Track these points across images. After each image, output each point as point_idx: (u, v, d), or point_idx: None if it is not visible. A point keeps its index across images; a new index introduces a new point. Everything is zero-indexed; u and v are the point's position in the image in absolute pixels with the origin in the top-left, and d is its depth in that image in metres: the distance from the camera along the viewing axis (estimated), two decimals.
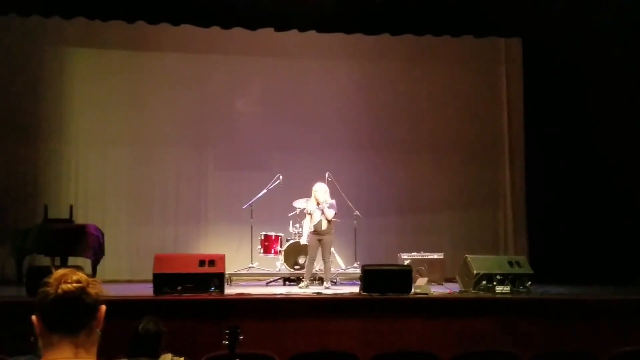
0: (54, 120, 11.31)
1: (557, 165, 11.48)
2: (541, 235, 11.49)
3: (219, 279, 8.09)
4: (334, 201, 9.30)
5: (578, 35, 10.74)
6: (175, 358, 4.22)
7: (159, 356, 3.99)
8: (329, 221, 9.16)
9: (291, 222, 10.41)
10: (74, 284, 1.86)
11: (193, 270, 8.06)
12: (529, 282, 8.73)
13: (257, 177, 11.25)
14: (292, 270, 10.08)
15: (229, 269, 9.14)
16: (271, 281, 10.26)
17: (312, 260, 9.23)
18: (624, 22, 10.17)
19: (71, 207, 9.80)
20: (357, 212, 10.57)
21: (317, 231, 9.13)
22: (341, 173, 10.83)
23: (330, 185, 9.92)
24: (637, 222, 10.55)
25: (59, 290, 1.84)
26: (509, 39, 12.27)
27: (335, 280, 9.83)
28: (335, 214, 9.27)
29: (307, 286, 9.08)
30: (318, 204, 9.15)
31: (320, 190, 9.21)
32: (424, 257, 10.17)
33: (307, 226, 9.35)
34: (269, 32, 11.16)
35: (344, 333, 7.51)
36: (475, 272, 8.76)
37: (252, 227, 10.59)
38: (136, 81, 11.60)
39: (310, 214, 9.28)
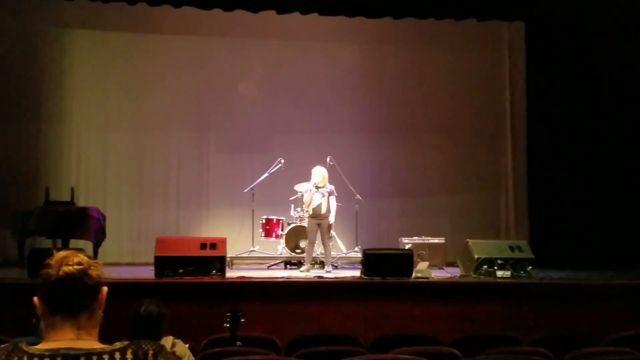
0: (55, 102, 11.27)
1: (559, 149, 11.46)
2: (542, 219, 11.49)
3: (220, 262, 8.11)
4: (332, 187, 9.27)
5: (581, 19, 10.69)
6: (176, 341, 4.23)
7: (160, 338, 4.00)
8: (328, 204, 9.12)
9: (292, 205, 10.40)
10: (76, 266, 1.86)
11: (194, 254, 8.07)
12: (530, 267, 8.74)
13: (259, 160, 11.23)
14: (293, 254, 10.09)
15: (230, 253, 9.15)
16: (272, 265, 10.27)
17: (312, 244, 9.22)
18: (628, 5, 10.10)
19: (72, 189, 9.82)
20: (358, 196, 10.57)
21: (316, 215, 9.10)
22: (343, 156, 10.81)
23: (331, 168, 9.91)
24: (639, 207, 10.54)
25: (61, 273, 1.84)
26: (512, 23, 12.19)
27: (336, 264, 9.85)
28: (336, 197, 9.27)
29: (308, 270, 9.09)
30: (317, 187, 9.09)
31: (319, 173, 9.17)
32: (425, 242, 10.17)
33: (308, 196, 9.20)
34: (270, 14, 11.10)
35: (345, 317, 7.54)
36: (476, 256, 8.78)
37: (253, 210, 10.58)
38: (137, 63, 11.55)
39: (308, 191, 9.19)
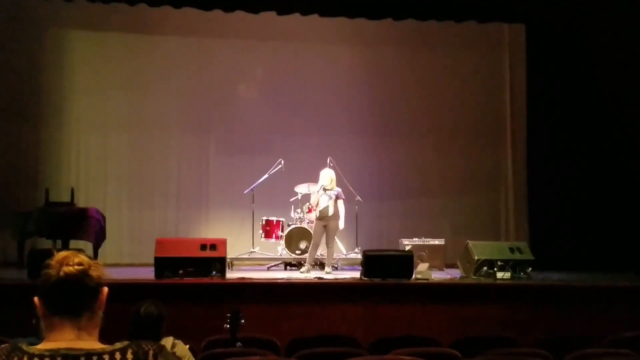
0: (55, 103, 11.26)
1: (559, 151, 11.46)
2: (542, 221, 11.47)
3: (221, 263, 8.11)
4: (340, 190, 9.28)
5: (582, 20, 10.69)
6: (176, 341, 4.23)
7: (160, 339, 4.00)
8: (335, 207, 9.13)
9: (292, 207, 10.40)
10: (76, 267, 1.85)
11: (194, 255, 8.08)
12: (530, 268, 8.75)
13: (259, 161, 11.23)
14: (293, 255, 10.09)
15: (230, 254, 9.16)
16: (272, 266, 10.28)
17: (316, 246, 9.23)
18: (628, 6, 10.10)
19: (72, 190, 9.81)
20: (358, 197, 10.57)
21: (322, 217, 9.11)
22: (343, 158, 10.81)
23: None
24: (639, 208, 10.54)
25: (61, 273, 1.84)
26: (513, 25, 12.18)
27: (336, 266, 9.85)
28: (343, 199, 9.29)
29: (308, 271, 9.09)
30: (325, 190, 9.10)
31: (327, 176, 9.18)
32: (425, 243, 10.17)
33: (315, 198, 9.22)
34: (271, 15, 11.10)
35: (345, 318, 7.55)
36: (476, 258, 8.78)
37: (253, 211, 10.58)
38: (137, 64, 11.55)
39: (315, 193, 9.20)
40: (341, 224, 9.24)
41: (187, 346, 4.30)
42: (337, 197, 9.13)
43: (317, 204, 9.12)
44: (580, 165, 11.27)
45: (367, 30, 11.77)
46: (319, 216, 9.14)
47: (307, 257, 9.33)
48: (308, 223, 10.03)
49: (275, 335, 5.67)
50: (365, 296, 7.86)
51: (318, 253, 9.55)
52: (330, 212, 9.06)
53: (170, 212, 11.55)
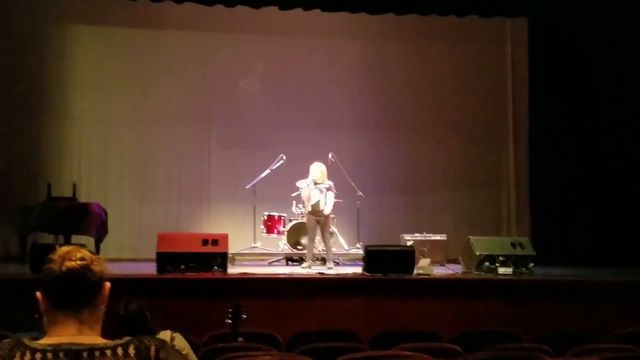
0: (57, 98, 11.26)
1: (561, 146, 11.45)
2: (544, 216, 11.48)
3: (222, 258, 8.12)
4: (331, 183, 9.28)
5: (584, 15, 10.67)
6: (174, 334, 4.24)
7: (154, 332, 3.99)
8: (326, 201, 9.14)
9: (294, 202, 10.39)
10: (78, 262, 1.85)
11: (196, 250, 8.09)
12: (532, 264, 8.74)
13: (261, 156, 11.24)
14: (294, 250, 10.09)
15: (231, 249, 9.18)
16: (274, 261, 10.28)
17: (312, 240, 9.24)
18: (631, 1, 10.08)
19: (74, 185, 9.80)
20: (360, 193, 10.57)
21: (315, 211, 9.10)
22: (344, 153, 10.81)
23: (333, 165, 9.91)
24: None
25: (63, 268, 1.84)
26: (515, 19, 12.17)
27: (338, 261, 9.85)
28: (335, 194, 9.29)
29: (309, 266, 9.09)
30: (316, 183, 9.11)
31: (318, 170, 9.18)
32: (427, 238, 10.16)
33: (307, 192, 9.22)
34: (273, 10, 11.09)
35: (347, 313, 7.55)
36: (478, 253, 8.78)
37: (255, 206, 10.58)
38: (139, 59, 11.54)
39: (307, 187, 9.19)
40: (327, 210, 9.19)
41: (187, 345, 4.31)
42: (329, 190, 9.14)
43: (309, 198, 9.12)
44: (583, 160, 11.27)
45: (368, 25, 11.76)
46: (311, 210, 9.14)
47: (306, 253, 9.34)
48: None
49: (276, 330, 5.68)
50: (367, 291, 7.86)
51: (319, 249, 9.55)
52: (322, 206, 9.08)
53: (172, 207, 11.55)
